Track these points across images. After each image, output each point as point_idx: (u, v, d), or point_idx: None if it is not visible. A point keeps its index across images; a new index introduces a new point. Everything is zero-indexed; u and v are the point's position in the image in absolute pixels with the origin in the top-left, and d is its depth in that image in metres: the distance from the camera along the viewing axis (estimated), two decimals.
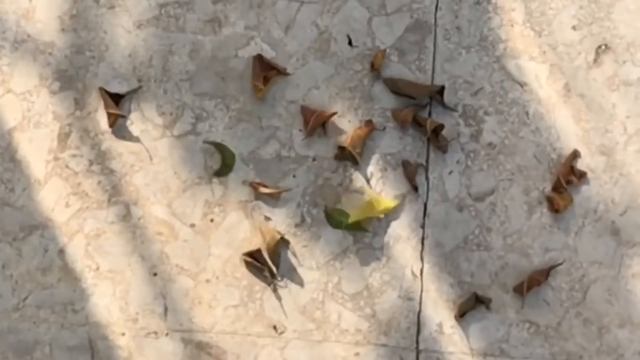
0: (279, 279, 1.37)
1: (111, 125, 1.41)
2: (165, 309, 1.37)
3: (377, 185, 1.40)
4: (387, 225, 1.39)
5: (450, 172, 1.40)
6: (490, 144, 1.40)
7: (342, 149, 1.39)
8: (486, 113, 1.41)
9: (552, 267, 1.36)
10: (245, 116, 1.42)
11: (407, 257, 1.38)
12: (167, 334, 1.36)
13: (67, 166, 1.40)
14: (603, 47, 1.43)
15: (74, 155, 1.41)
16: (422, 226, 1.39)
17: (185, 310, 1.37)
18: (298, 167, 1.40)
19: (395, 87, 1.41)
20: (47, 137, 1.41)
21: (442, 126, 1.38)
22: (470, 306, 1.36)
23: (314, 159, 1.40)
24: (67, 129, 1.41)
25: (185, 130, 1.41)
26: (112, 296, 1.37)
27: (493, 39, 1.43)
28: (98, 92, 1.42)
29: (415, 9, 1.44)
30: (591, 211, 1.38)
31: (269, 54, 1.43)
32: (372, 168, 1.40)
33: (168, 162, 1.40)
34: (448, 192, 1.39)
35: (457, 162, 1.40)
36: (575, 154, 1.39)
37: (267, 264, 1.37)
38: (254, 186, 1.39)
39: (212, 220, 1.39)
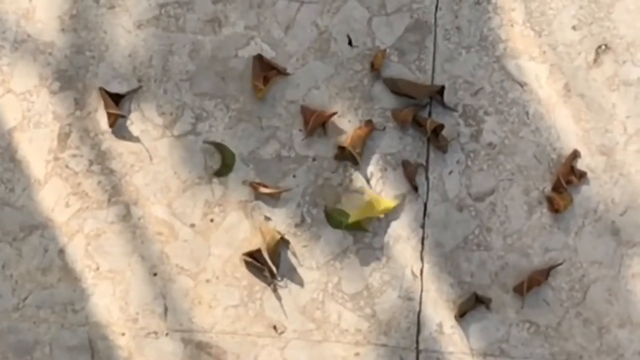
0: (279, 279, 1.37)
1: (111, 125, 1.41)
2: (165, 309, 1.37)
3: (377, 185, 1.40)
4: (387, 225, 1.39)
5: (450, 172, 1.40)
6: (490, 144, 1.40)
7: (342, 149, 1.39)
8: (486, 113, 1.41)
9: (552, 267, 1.36)
10: (245, 116, 1.42)
11: (407, 257, 1.38)
12: (167, 334, 1.36)
13: (67, 166, 1.40)
14: (603, 47, 1.43)
15: (74, 155, 1.41)
16: (422, 226, 1.39)
17: (185, 310, 1.37)
18: (298, 167, 1.40)
19: (395, 87, 1.41)
20: (47, 137, 1.41)
21: (442, 126, 1.38)
22: (470, 306, 1.36)
23: (314, 159, 1.40)
24: (67, 129, 1.41)
25: (185, 130, 1.41)
26: (112, 296, 1.37)
27: (493, 39, 1.43)
28: (98, 92, 1.42)
29: (415, 9, 1.44)
30: (591, 211, 1.38)
31: (269, 54, 1.43)
32: (372, 168, 1.40)
33: (168, 162, 1.41)
34: (448, 192, 1.39)
35: (457, 162, 1.40)
36: (575, 154, 1.39)
37: (267, 264, 1.37)
38: (254, 186, 1.39)
39: (212, 220, 1.39)
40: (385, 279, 1.37)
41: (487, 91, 1.42)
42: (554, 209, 1.38)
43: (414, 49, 1.43)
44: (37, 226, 1.39)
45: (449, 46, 1.43)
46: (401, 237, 1.38)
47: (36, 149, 1.41)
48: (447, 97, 1.41)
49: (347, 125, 1.41)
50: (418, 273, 1.37)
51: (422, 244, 1.38)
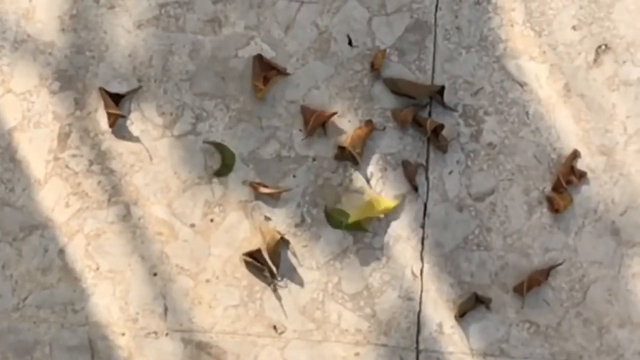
0: (279, 279, 1.37)
1: (111, 125, 1.41)
2: (165, 309, 1.37)
3: (377, 185, 1.40)
4: (387, 225, 1.39)
5: (450, 172, 1.40)
6: (490, 144, 1.40)
7: (342, 149, 1.39)
8: (486, 113, 1.41)
9: (552, 267, 1.36)
10: (245, 116, 1.42)
11: (407, 257, 1.38)
12: (167, 334, 1.36)
13: (67, 166, 1.40)
14: (603, 47, 1.43)
15: (74, 155, 1.41)
16: (422, 226, 1.38)
17: (185, 310, 1.37)
18: (298, 167, 1.40)
19: (395, 87, 1.41)
20: (47, 137, 1.41)
21: (442, 126, 1.38)
22: (470, 306, 1.36)
23: (314, 159, 1.40)
24: (67, 129, 1.41)
25: (185, 130, 1.41)
26: (112, 296, 1.37)
27: (493, 39, 1.43)
28: (98, 92, 1.42)
29: (415, 9, 1.44)
30: (591, 211, 1.38)
31: (269, 54, 1.43)
32: (372, 168, 1.40)
33: (168, 162, 1.40)
34: (448, 192, 1.39)
35: (457, 162, 1.40)
36: (575, 154, 1.39)
37: (267, 264, 1.37)
38: (254, 186, 1.39)
39: (212, 220, 1.39)
40: (385, 279, 1.37)
41: (487, 91, 1.42)
42: (554, 209, 1.38)
43: (414, 49, 1.43)
44: (37, 226, 1.39)
45: (449, 46, 1.43)
46: (401, 237, 1.38)
47: (36, 149, 1.41)
48: (447, 97, 1.41)
49: (347, 125, 1.41)
50: (418, 273, 1.37)
51: (422, 244, 1.38)
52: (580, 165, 1.40)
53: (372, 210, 1.37)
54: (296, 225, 1.39)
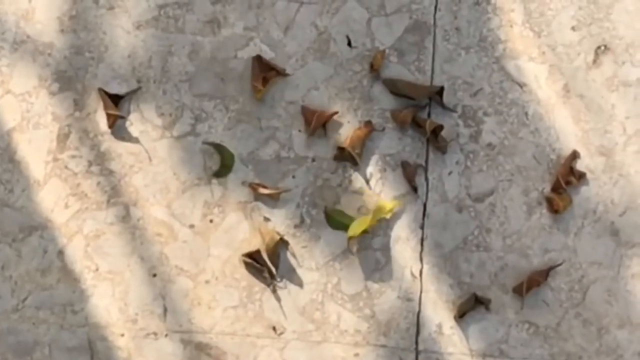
0: (278, 279, 1.37)
1: (110, 126, 1.41)
2: (165, 310, 1.37)
3: (377, 186, 1.40)
4: (387, 226, 1.38)
5: (450, 173, 1.40)
6: (489, 145, 1.40)
7: (341, 149, 1.39)
8: (485, 114, 1.41)
9: (551, 268, 1.36)
10: (244, 117, 1.42)
11: (406, 257, 1.38)
12: (166, 335, 1.36)
13: (66, 167, 1.40)
14: (602, 47, 1.43)
15: (73, 156, 1.41)
16: (422, 227, 1.38)
17: (184, 311, 1.37)
18: (297, 167, 1.40)
19: (395, 87, 1.41)
20: (46, 138, 1.41)
21: (441, 127, 1.38)
22: (470, 307, 1.36)
23: (313, 160, 1.40)
24: (66, 130, 1.41)
25: (185, 131, 1.41)
26: (112, 297, 1.37)
27: (492, 40, 1.43)
28: (97, 93, 1.42)
29: (415, 10, 1.44)
30: (590, 212, 1.38)
31: (268, 54, 1.43)
32: (371, 169, 1.40)
33: (167, 163, 1.40)
34: (447, 192, 1.39)
35: (457, 162, 1.40)
36: (575, 155, 1.39)
37: (267, 264, 1.37)
38: (253, 187, 1.39)
39: (211, 221, 1.39)
40: (385, 279, 1.37)
41: (486, 92, 1.42)
42: (554, 210, 1.38)
43: (413, 49, 1.43)
44: (36, 227, 1.39)
45: (448, 47, 1.43)
46: (400, 237, 1.38)
47: (35, 150, 1.41)
48: (447, 98, 1.41)
49: (347, 126, 1.41)
50: (417, 274, 1.37)
51: (422, 244, 1.38)
52: (580, 166, 1.40)
53: (375, 217, 1.36)
54: (295, 226, 1.39)
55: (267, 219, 1.39)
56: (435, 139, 1.39)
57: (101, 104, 1.42)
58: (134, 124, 1.41)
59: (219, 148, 1.40)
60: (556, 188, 1.38)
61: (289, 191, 1.39)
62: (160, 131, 1.41)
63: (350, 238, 1.37)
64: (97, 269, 1.38)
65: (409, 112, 1.40)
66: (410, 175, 1.39)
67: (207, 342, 1.36)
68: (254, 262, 1.37)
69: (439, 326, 1.36)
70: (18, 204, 1.39)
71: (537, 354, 1.35)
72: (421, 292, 1.37)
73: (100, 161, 1.40)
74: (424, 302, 1.37)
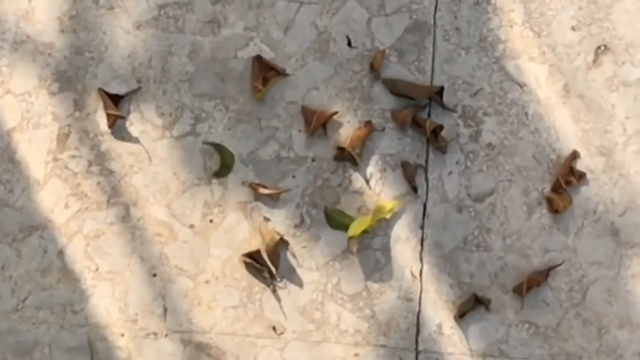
0: (278, 279, 1.37)
1: (110, 126, 1.41)
2: (165, 310, 1.37)
3: (377, 186, 1.40)
4: (387, 226, 1.38)
5: (450, 173, 1.40)
6: (489, 145, 1.40)
7: (341, 149, 1.39)
8: (485, 114, 1.41)
9: (551, 268, 1.36)
10: (244, 117, 1.42)
11: (406, 257, 1.38)
12: (166, 335, 1.36)
13: (66, 167, 1.40)
14: (602, 47, 1.43)
15: (73, 156, 1.41)
16: (422, 227, 1.38)
17: (184, 311, 1.37)
18: (297, 167, 1.40)
19: (395, 87, 1.41)
20: (46, 138, 1.41)
21: (441, 127, 1.38)
22: (470, 307, 1.36)
23: (313, 160, 1.40)
24: (66, 130, 1.41)
25: (185, 131, 1.41)
26: (112, 297, 1.37)
27: (492, 40, 1.43)
28: (97, 93, 1.42)
29: (415, 10, 1.44)
30: (590, 212, 1.38)
31: (268, 54, 1.43)
32: (371, 169, 1.40)
33: (167, 163, 1.40)
34: (447, 192, 1.39)
35: (457, 162, 1.40)
36: (575, 155, 1.39)
37: (267, 264, 1.37)
38: (253, 187, 1.39)
39: (211, 221, 1.39)
40: (385, 279, 1.37)
41: (486, 92, 1.42)
42: (554, 210, 1.38)
43: (413, 49, 1.43)
44: (36, 227, 1.39)
45: (448, 47, 1.43)
46: (400, 237, 1.38)
47: (35, 150, 1.41)
48: (447, 98, 1.41)
49: (347, 126, 1.41)
50: (417, 274, 1.37)
51: (422, 244, 1.38)
52: (580, 166, 1.40)
53: (375, 217, 1.36)
54: (295, 226, 1.39)
55: (267, 219, 1.39)
56: (435, 139, 1.39)
57: (101, 104, 1.42)
58: (134, 124, 1.41)
59: (219, 148, 1.40)
60: (556, 188, 1.38)
61: (289, 191, 1.39)
62: (160, 131, 1.41)
63: (350, 238, 1.37)
64: (97, 269, 1.38)
65: (409, 112, 1.40)
66: (410, 175, 1.39)
67: (207, 342, 1.36)
68: (254, 262, 1.37)
69: (439, 326, 1.36)
70: (18, 204, 1.39)
71: (537, 354, 1.35)
72: (421, 292, 1.37)
73: (100, 161, 1.40)
74: (424, 302, 1.37)
